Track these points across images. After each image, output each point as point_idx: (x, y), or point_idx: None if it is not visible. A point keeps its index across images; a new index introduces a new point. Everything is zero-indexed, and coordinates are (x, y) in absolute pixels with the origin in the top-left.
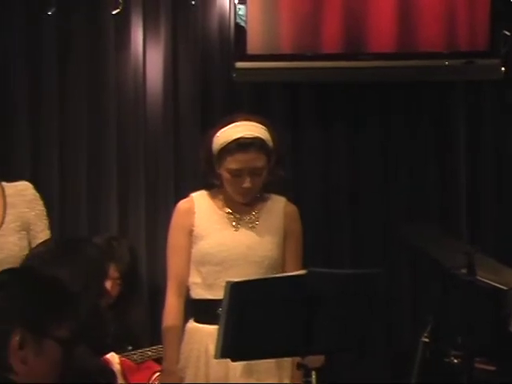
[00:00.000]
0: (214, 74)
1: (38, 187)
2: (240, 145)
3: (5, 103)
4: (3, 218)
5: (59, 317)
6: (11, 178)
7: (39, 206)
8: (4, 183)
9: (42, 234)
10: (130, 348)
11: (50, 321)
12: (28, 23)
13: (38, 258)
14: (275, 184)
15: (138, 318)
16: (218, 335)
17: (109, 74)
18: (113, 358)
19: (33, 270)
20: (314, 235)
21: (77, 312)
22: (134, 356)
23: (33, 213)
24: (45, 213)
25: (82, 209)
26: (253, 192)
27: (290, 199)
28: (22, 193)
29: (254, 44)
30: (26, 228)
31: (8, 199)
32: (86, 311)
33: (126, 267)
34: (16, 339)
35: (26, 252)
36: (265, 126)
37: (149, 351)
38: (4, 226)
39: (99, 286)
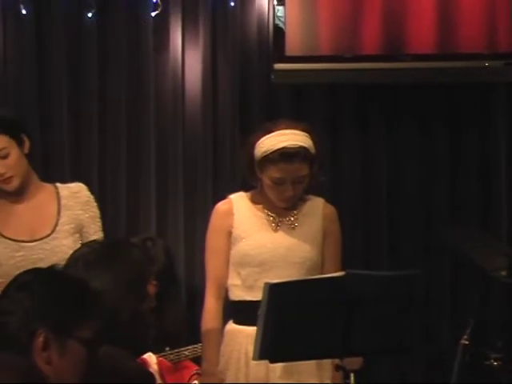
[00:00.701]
0: (253, 75)
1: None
2: (284, 155)
3: (45, 104)
4: (57, 220)
5: (82, 317)
6: (52, 179)
7: (93, 208)
8: (58, 184)
9: (95, 236)
10: (167, 349)
11: (73, 322)
12: (68, 25)
13: (82, 259)
14: (315, 187)
15: (175, 318)
16: (257, 337)
17: (148, 75)
18: (150, 358)
19: (57, 270)
20: (353, 237)
21: (101, 312)
22: (171, 356)
23: (87, 215)
24: (98, 215)
25: (121, 210)
26: (294, 199)
27: (328, 200)
28: (76, 195)
29: (292, 45)
30: (79, 230)
31: (62, 201)
32: (127, 314)
33: (161, 268)
34: (40, 340)
35: None
36: (308, 132)
37: (185, 351)
38: (58, 228)
39: (142, 290)
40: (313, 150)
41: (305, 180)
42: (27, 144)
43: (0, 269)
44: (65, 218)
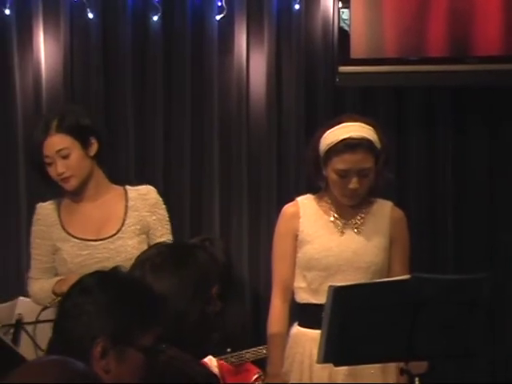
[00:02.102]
0: (318, 78)
1: None
2: (347, 145)
3: (111, 108)
4: (124, 220)
5: (143, 326)
6: (116, 181)
7: (161, 211)
8: (127, 187)
9: (163, 238)
10: (228, 350)
11: (133, 331)
12: (134, 28)
13: (149, 261)
14: (381, 188)
15: (236, 320)
16: (321, 340)
17: (212, 78)
18: (210, 361)
19: (121, 274)
20: (418, 240)
21: (163, 318)
22: (232, 358)
23: (154, 217)
24: (167, 218)
25: (184, 211)
26: (360, 194)
27: (393, 203)
28: (144, 197)
29: (357, 48)
30: (145, 232)
31: (130, 202)
32: (193, 317)
33: (220, 269)
34: (98, 350)
35: None
36: (372, 126)
37: (247, 353)
38: (124, 228)
39: (207, 293)
40: (377, 144)
41: (369, 173)
42: (94, 147)
43: (65, 267)
44: (131, 219)
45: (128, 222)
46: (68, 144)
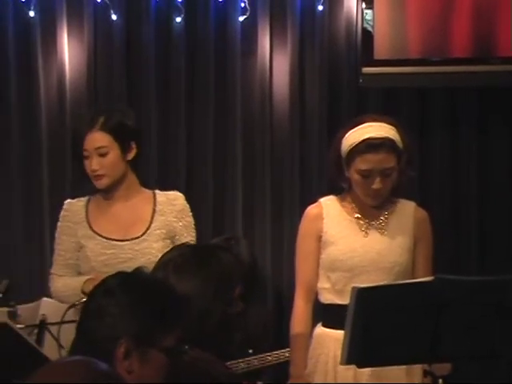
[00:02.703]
0: (341, 79)
1: (164, 189)
2: (369, 145)
3: (134, 109)
4: (150, 223)
5: (165, 328)
6: (140, 180)
7: (188, 218)
8: (157, 191)
9: None
10: (250, 351)
11: (155, 332)
12: (157, 30)
13: (173, 262)
14: (404, 187)
15: (259, 320)
16: (344, 341)
17: (235, 79)
18: None
19: (143, 275)
20: (441, 241)
21: (186, 319)
22: (255, 361)
23: (180, 223)
24: (193, 225)
25: (207, 211)
26: (383, 194)
27: (416, 203)
28: (172, 202)
29: (380, 49)
30: (171, 237)
31: (158, 206)
32: (215, 318)
33: (245, 268)
34: (121, 351)
35: None
36: (394, 126)
37: (269, 356)
38: (149, 231)
39: (230, 294)
40: (400, 143)
41: (392, 173)
42: (133, 152)
43: (89, 264)
44: (157, 223)
45: (154, 225)
46: (108, 143)
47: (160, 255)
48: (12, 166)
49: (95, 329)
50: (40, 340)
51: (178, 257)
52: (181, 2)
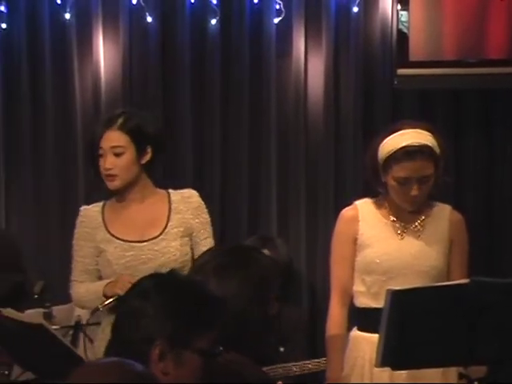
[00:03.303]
0: (376, 80)
1: (200, 190)
2: (407, 153)
3: (170, 110)
4: (167, 223)
5: (200, 330)
6: (176, 182)
7: (204, 214)
8: (170, 190)
9: (205, 241)
10: (281, 349)
11: (190, 334)
12: (192, 32)
13: (209, 264)
14: (439, 191)
15: (292, 319)
16: (379, 343)
17: (270, 81)
18: None
19: (178, 277)
20: (476, 243)
21: (221, 321)
22: (294, 368)
23: (197, 220)
24: (209, 221)
25: (242, 213)
26: (420, 200)
27: (454, 207)
28: (187, 200)
29: (416, 50)
30: (188, 234)
31: (173, 205)
32: (253, 319)
33: (282, 268)
34: (156, 352)
35: (187, 258)
36: (431, 132)
37: (309, 364)
38: (167, 230)
39: (268, 296)
40: (437, 150)
41: (430, 180)
42: (148, 156)
43: (110, 268)
44: (174, 221)
45: (171, 224)
46: (124, 143)
47: (179, 254)
48: (48, 168)
49: (130, 330)
50: (75, 341)
51: (215, 258)
52: (216, 4)
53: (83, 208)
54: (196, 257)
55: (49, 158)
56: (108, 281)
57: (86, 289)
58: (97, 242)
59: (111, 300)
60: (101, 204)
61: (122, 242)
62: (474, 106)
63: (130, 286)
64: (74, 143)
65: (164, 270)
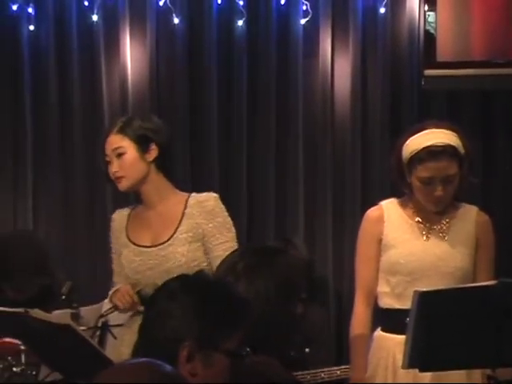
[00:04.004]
0: (403, 81)
1: (226, 191)
2: (431, 153)
3: (196, 113)
4: (176, 228)
5: (229, 331)
6: (202, 184)
7: (218, 218)
8: (192, 194)
9: (222, 246)
10: (307, 350)
11: (219, 334)
12: (219, 33)
13: (238, 264)
14: (465, 192)
15: (316, 320)
16: (406, 345)
17: (297, 82)
18: None
19: (204, 277)
20: (504, 245)
21: (248, 322)
22: (322, 374)
23: (210, 224)
24: (227, 225)
25: (269, 215)
26: (445, 200)
27: (479, 207)
28: (202, 204)
29: (443, 51)
30: (199, 239)
31: (187, 209)
32: (280, 320)
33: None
34: (184, 354)
35: (195, 263)
36: (455, 132)
37: (338, 370)
38: (175, 235)
39: (295, 296)
40: (461, 150)
41: (454, 180)
42: (153, 153)
43: (124, 272)
44: (184, 227)
45: (180, 229)
46: (124, 144)
47: (185, 259)
48: (75, 170)
49: (158, 331)
50: (102, 341)
51: (245, 259)
52: (243, 6)
53: (116, 212)
54: (212, 262)
55: (76, 160)
56: (115, 288)
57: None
58: (119, 245)
59: (109, 309)
60: (130, 208)
61: (134, 247)
62: (502, 107)
63: (128, 298)
64: (102, 144)
65: (168, 277)
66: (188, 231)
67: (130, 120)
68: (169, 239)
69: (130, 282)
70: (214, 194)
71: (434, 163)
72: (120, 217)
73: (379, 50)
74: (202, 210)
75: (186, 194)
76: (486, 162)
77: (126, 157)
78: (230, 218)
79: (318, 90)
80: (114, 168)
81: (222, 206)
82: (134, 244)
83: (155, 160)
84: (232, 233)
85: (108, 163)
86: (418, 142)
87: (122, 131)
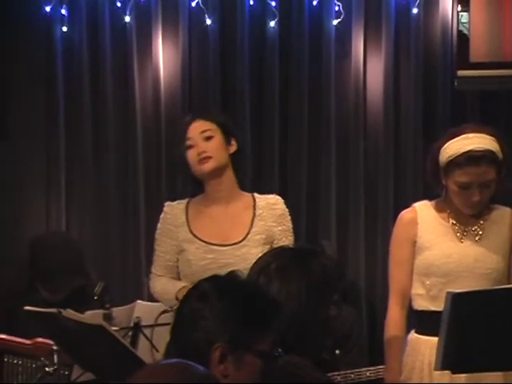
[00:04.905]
0: (436, 82)
1: (258, 193)
2: (470, 158)
3: (229, 113)
4: (250, 228)
5: (261, 331)
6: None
7: (287, 222)
8: (256, 195)
9: None
10: (337, 352)
11: (251, 335)
12: (251, 34)
13: (272, 265)
14: (501, 195)
15: (347, 319)
16: (439, 346)
17: (330, 82)
18: None
19: (238, 279)
20: None
21: (279, 323)
22: (352, 375)
23: (279, 228)
24: (291, 229)
25: (301, 215)
26: (481, 205)
27: None
28: (272, 207)
29: (477, 52)
30: (270, 242)
31: (258, 211)
32: (314, 321)
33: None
34: (216, 355)
35: None
36: (494, 136)
37: (367, 371)
38: (249, 236)
39: (329, 298)
40: (500, 154)
41: (492, 185)
42: (233, 147)
43: (190, 268)
44: (257, 228)
45: (254, 230)
46: (212, 127)
47: None
48: (108, 170)
49: (189, 333)
50: (134, 342)
51: (278, 260)
52: (275, 7)
53: (168, 204)
54: None
55: (110, 160)
56: (183, 284)
57: (162, 287)
58: (179, 240)
59: (175, 305)
60: (185, 202)
61: (203, 244)
62: None
63: None
64: (134, 144)
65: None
66: (261, 233)
67: (210, 110)
68: (243, 239)
69: (193, 280)
70: (279, 197)
71: (473, 168)
72: (176, 211)
73: (412, 50)
74: (272, 213)
75: (249, 194)
76: None
77: (214, 140)
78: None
79: (351, 91)
80: (202, 148)
81: (287, 210)
82: (202, 241)
83: (233, 155)
84: (293, 237)
85: (189, 147)
86: (457, 146)
87: (211, 117)
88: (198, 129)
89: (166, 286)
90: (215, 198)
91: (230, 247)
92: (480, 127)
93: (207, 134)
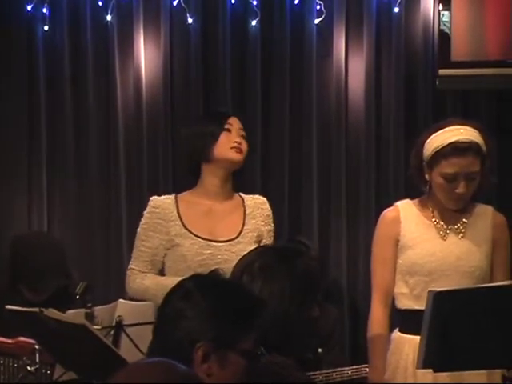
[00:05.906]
0: (418, 81)
1: (241, 191)
2: (456, 148)
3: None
4: (242, 226)
5: (244, 330)
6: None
7: (272, 223)
8: (242, 194)
9: None
10: (320, 350)
11: (235, 335)
12: (233, 33)
13: (255, 263)
14: (484, 192)
15: (329, 318)
16: (420, 345)
17: (311, 82)
18: None
19: (220, 278)
20: None
21: (262, 322)
22: (334, 374)
23: (266, 227)
24: (273, 230)
25: (283, 213)
26: (466, 198)
27: (494, 207)
28: (260, 206)
29: (458, 51)
30: (259, 241)
31: (248, 210)
32: (295, 321)
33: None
34: (199, 354)
35: None
36: (479, 130)
37: (349, 370)
38: (243, 233)
39: (313, 298)
40: (484, 148)
41: (477, 177)
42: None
43: (184, 264)
44: (249, 226)
45: (246, 228)
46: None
47: None
48: (90, 169)
49: (172, 332)
50: (116, 341)
51: (262, 258)
52: (256, 5)
53: (153, 198)
54: None
55: (91, 159)
56: (180, 279)
57: (154, 282)
58: (170, 235)
59: None
60: (172, 196)
61: (199, 240)
62: None
63: None
64: (116, 144)
65: None
66: (253, 231)
67: None
68: (237, 236)
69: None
70: (265, 198)
71: (459, 159)
72: (165, 205)
73: (393, 49)
74: (261, 213)
75: (236, 194)
76: (500, 162)
77: (245, 141)
78: None
79: (332, 89)
80: (240, 140)
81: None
82: (198, 236)
83: None
84: (273, 238)
85: (225, 130)
86: (442, 137)
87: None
88: (238, 124)
89: (159, 280)
90: (213, 192)
91: (225, 243)
92: (465, 120)
93: (243, 133)
